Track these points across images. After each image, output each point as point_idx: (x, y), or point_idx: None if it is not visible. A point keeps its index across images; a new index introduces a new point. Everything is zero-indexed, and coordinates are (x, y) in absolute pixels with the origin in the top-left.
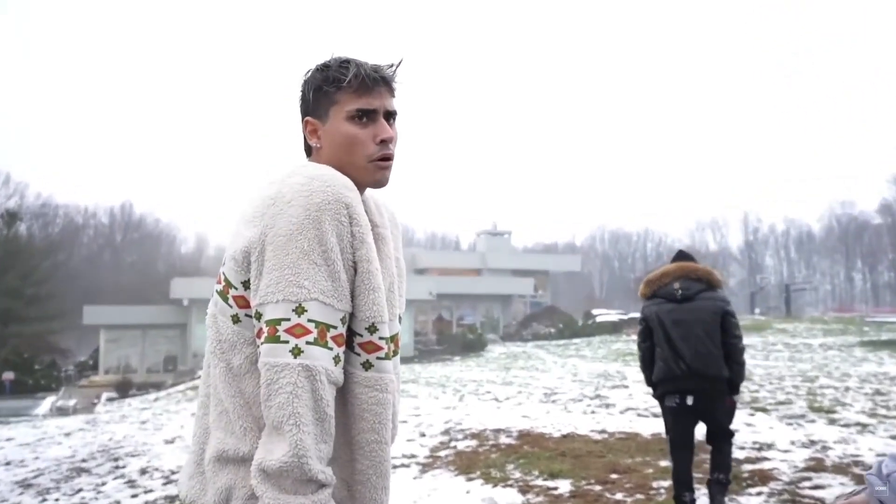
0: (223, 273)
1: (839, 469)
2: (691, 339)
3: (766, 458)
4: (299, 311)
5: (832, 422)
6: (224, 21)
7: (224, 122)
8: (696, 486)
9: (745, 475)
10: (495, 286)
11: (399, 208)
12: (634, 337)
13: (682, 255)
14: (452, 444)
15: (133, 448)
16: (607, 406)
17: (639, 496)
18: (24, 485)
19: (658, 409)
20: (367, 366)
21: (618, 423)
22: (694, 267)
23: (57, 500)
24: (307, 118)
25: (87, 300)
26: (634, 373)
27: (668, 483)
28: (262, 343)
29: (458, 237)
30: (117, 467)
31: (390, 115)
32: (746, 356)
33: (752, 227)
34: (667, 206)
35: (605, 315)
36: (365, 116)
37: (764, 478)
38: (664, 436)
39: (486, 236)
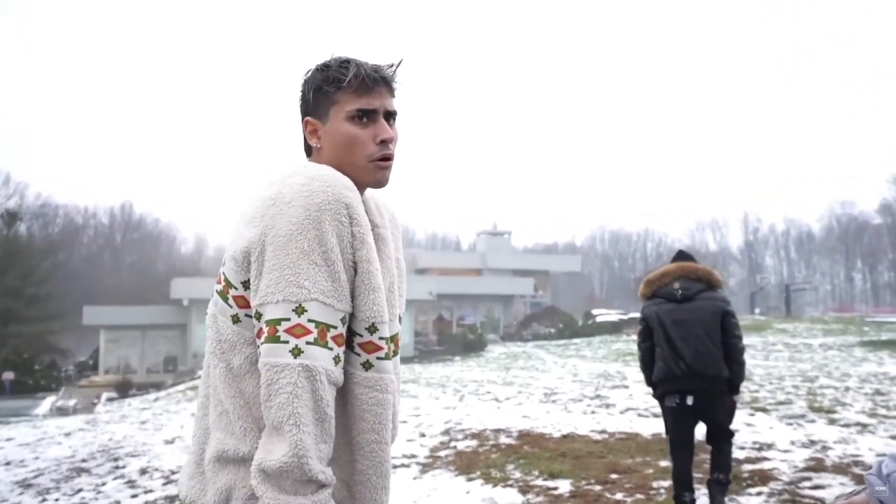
0: (223, 273)
1: (839, 469)
2: (691, 339)
3: (766, 458)
4: (299, 311)
5: (832, 422)
6: (224, 21)
7: (224, 122)
8: (696, 486)
9: (745, 475)
10: (495, 286)
11: (399, 208)
12: (634, 337)
13: (682, 256)
14: (452, 444)
15: (133, 448)
16: (607, 406)
17: (639, 496)
18: (24, 485)
19: (658, 410)
20: (368, 366)
21: (618, 423)
22: (694, 267)
23: (57, 500)
24: (307, 118)
25: (87, 300)
26: (634, 373)
27: (668, 483)
28: (262, 343)
29: (459, 237)
30: (117, 467)
31: (390, 116)
32: (746, 356)
33: (752, 227)
34: (667, 206)
35: (605, 315)
36: (365, 116)
37: (764, 478)
38: (664, 436)
39: (487, 236)
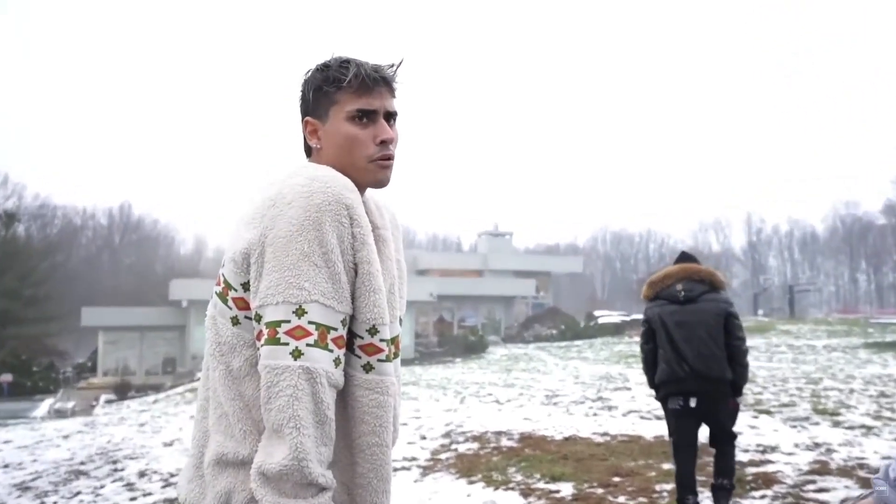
0: (222, 275)
1: (844, 472)
2: (694, 340)
3: (769, 461)
4: (299, 312)
5: (836, 424)
6: (224, 21)
7: (224, 123)
8: (699, 489)
9: (749, 478)
10: (497, 287)
11: (400, 209)
12: (637, 339)
13: (684, 257)
14: (453, 446)
15: (132, 451)
16: (609, 408)
17: (641, 499)
18: (22, 487)
19: (661, 412)
20: (368, 368)
21: (620, 425)
22: (697, 268)
23: (55, 503)
24: (307, 118)
25: (86, 302)
26: (637, 375)
27: (671, 486)
28: (261, 345)
29: (460, 238)
30: (116, 470)
31: (391, 116)
32: (750, 358)
33: (755, 228)
34: (669, 206)
35: (607, 316)
36: (365, 117)
37: (768, 481)
38: (667, 438)
39: (488, 237)
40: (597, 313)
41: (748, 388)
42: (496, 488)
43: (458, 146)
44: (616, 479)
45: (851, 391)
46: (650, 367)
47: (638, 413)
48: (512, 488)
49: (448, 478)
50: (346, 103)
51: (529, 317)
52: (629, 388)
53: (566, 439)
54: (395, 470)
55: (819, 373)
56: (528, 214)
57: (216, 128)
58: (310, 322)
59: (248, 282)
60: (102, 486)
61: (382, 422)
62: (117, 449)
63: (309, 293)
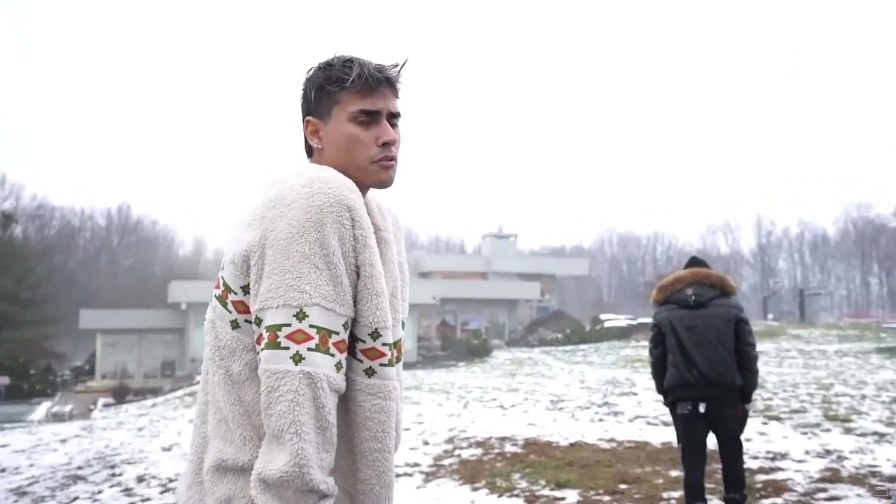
0: (222, 277)
1: (856, 480)
2: (704, 345)
3: (779, 469)
4: (300, 316)
5: (848, 431)
6: (224, 21)
7: (223, 123)
8: (707, 496)
9: (759, 486)
10: (501, 290)
11: (402, 210)
12: (644, 343)
13: (695, 261)
14: (457, 452)
15: (130, 455)
16: (616, 414)
17: None
18: (19, 492)
19: (668, 418)
20: (370, 372)
21: (627, 431)
22: (707, 273)
23: None
24: (308, 118)
25: (84, 304)
26: (644, 380)
27: (678, 493)
28: (262, 349)
29: (463, 240)
30: (114, 475)
31: (394, 117)
32: (759, 363)
33: (765, 231)
34: (677, 208)
35: (613, 320)
36: (368, 117)
37: (778, 489)
38: (675, 444)
39: (492, 239)
40: (603, 317)
41: (757, 394)
42: (500, 495)
43: (462, 146)
44: (622, 486)
45: (863, 397)
46: (659, 372)
47: (645, 419)
48: (516, 495)
49: (451, 484)
50: (349, 103)
51: (534, 320)
52: (636, 394)
53: (572, 445)
54: (398, 476)
55: (830, 378)
56: (533, 216)
57: (216, 128)
58: (311, 326)
59: (248, 285)
60: (100, 492)
61: (385, 427)
62: (115, 453)
63: (310, 296)
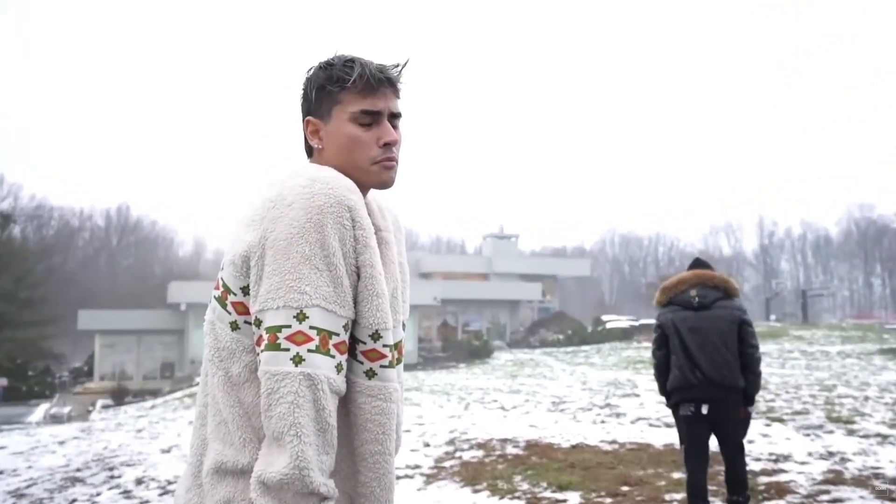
0: (221, 278)
1: (859, 482)
2: (707, 347)
3: (782, 471)
4: (300, 317)
5: (851, 432)
6: (224, 21)
7: (223, 122)
8: (710, 498)
9: (762, 488)
10: (502, 291)
11: (403, 211)
12: (646, 344)
13: (698, 263)
14: (458, 454)
15: (129, 457)
16: (618, 415)
17: None
18: (17, 494)
19: (671, 419)
20: (371, 374)
21: (629, 433)
22: (711, 275)
23: None
24: (309, 118)
25: (83, 304)
26: (646, 381)
27: (681, 496)
28: (261, 351)
29: (464, 241)
30: (112, 477)
31: (395, 117)
32: (762, 365)
33: (767, 231)
34: (679, 209)
35: (615, 321)
36: (369, 118)
37: (780, 491)
38: (677, 446)
39: (493, 240)
40: (605, 318)
41: (760, 396)
42: (501, 497)
43: (463, 146)
44: (625, 488)
45: (866, 399)
46: (662, 374)
47: (647, 420)
48: (518, 497)
49: (452, 486)
50: (350, 103)
51: (535, 321)
52: (638, 395)
53: (573, 447)
54: (398, 478)
55: (833, 380)
56: (535, 216)
57: (216, 128)
58: (311, 327)
59: (248, 286)
60: (99, 494)
61: (385, 429)
62: (114, 455)
63: (310, 297)
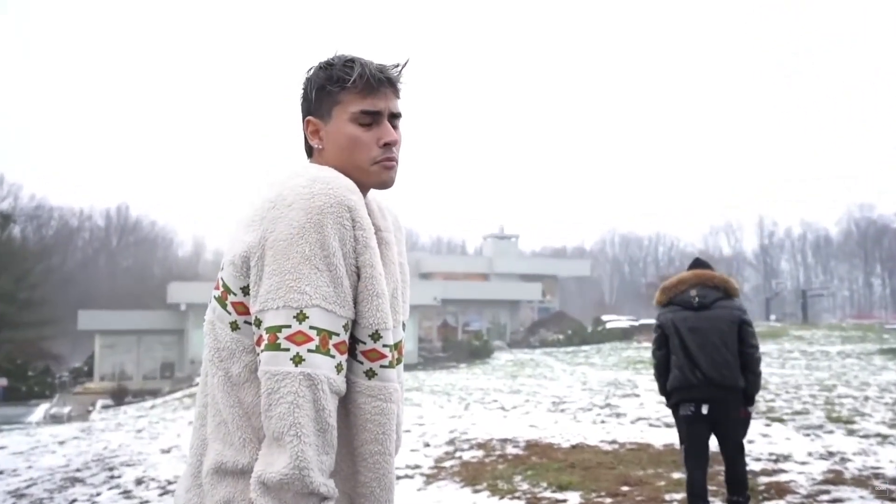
0: (221, 278)
1: (859, 482)
2: (708, 347)
3: (782, 471)
4: (300, 317)
5: (851, 432)
6: (224, 21)
7: (223, 123)
8: (710, 498)
9: (762, 488)
10: (502, 291)
11: (403, 211)
12: (646, 344)
13: (698, 263)
14: (458, 454)
15: (129, 457)
16: (618, 416)
17: None
18: (17, 495)
19: (671, 419)
20: (371, 374)
21: (629, 433)
22: (711, 275)
23: None
24: (309, 118)
25: (82, 305)
26: (646, 381)
27: (681, 496)
28: (261, 351)
29: (464, 241)
30: (112, 477)
31: (395, 117)
32: (762, 365)
33: (767, 231)
34: (678, 209)
35: (615, 321)
36: (369, 118)
37: (780, 491)
38: (677, 447)
39: (493, 240)
40: (605, 318)
41: (760, 396)
42: (501, 497)
43: (463, 146)
44: (625, 488)
45: (866, 399)
46: (662, 374)
47: (647, 420)
48: (518, 497)
49: (452, 486)
50: (350, 104)
51: (535, 321)
52: (638, 395)
53: (573, 447)
54: (398, 478)
55: (833, 380)
56: (535, 216)
57: (216, 128)
58: (311, 327)
59: (248, 286)
60: (99, 494)
61: (385, 429)
62: (114, 455)
63: (310, 297)
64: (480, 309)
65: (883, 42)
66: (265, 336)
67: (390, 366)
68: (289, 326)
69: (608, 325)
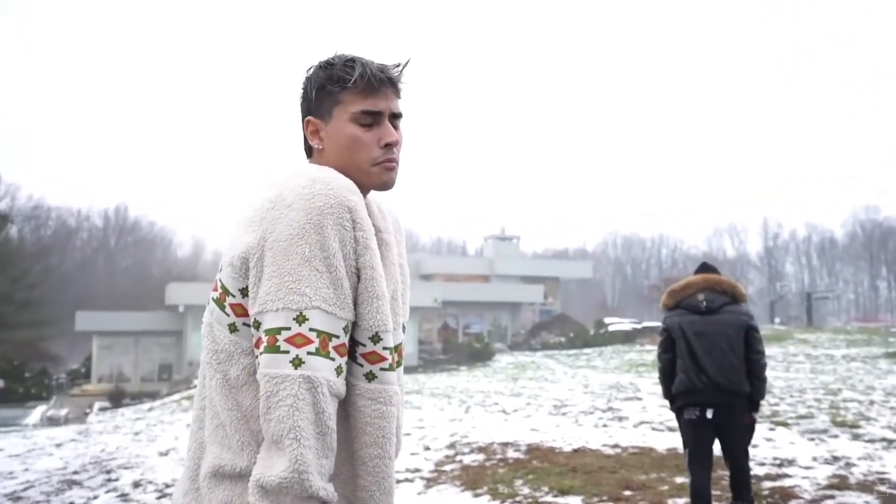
0: (220, 280)
1: (864, 487)
2: (714, 352)
3: (786, 475)
4: (300, 319)
5: (856, 437)
6: (224, 21)
7: (223, 122)
8: (714, 502)
9: (766, 493)
10: (503, 293)
11: (403, 212)
12: (648, 347)
13: (706, 267)
14: (458, 458)
15: (126, 460)
16: (620, 419)
17: None
18: (14, 498)
19: (673, 423)
20: (371, 377)
21: (631, 437)
22: (719, 279)
23: None
24: (309, 118)
25: (80, 306)
26: (648, 384)
27: (683, 500)
28: (260, 353)
29: (465, 242)
30: (110, 480)
31: (395, 118)
32: (767, 370)
33: (771, 233)
34: (681, 209)
35: (617, 324)
36: (370, 118)
37: (785, 495)
38: (680, 450)
39: (494, 241)
40: (607, 320)
41: (765, 399)
42: (502, 501)
43: (464, 147)
44: (627, 492)
45: (871, 403)
46: (667, 377)
47: (649, 424)
48: (519, 502)
49: (453, 490)
50: (351, 104)
51: (537, 324)
52: (640, 399)
53: (575, 451)
54: (398, 482)
55: (838, 383)
56: (536, 218)
57: (215, 128)
58: (311, 329)
59: (247, 287)
60: (96, 497)
61: (385, 433)
62: (111, 458)
63: (310, 299)
64: (481, 311)
65: (883, 42)
66: (264, 338)
67: (390, 368)
68: (288, 328)
69: (610, 328)
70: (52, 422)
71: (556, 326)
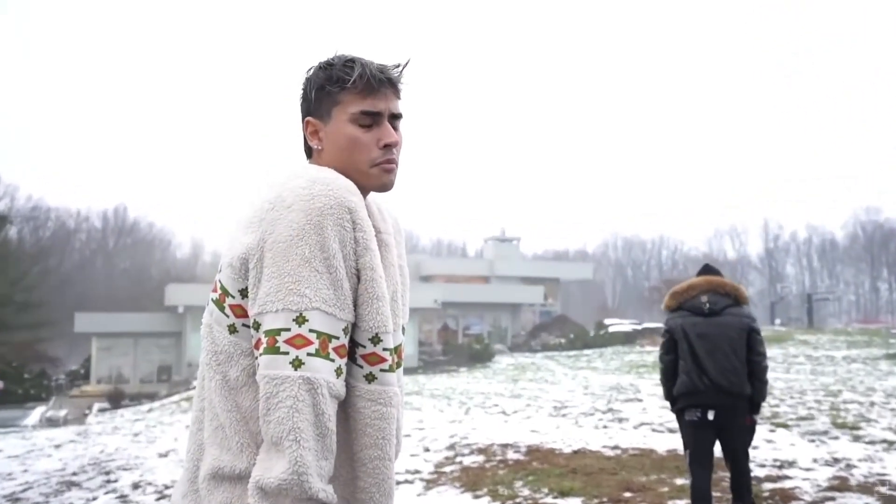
0: (219, 281)
1: (864, 489)
2: (717, 353)
3: (787, 477)
4: (300, 320)
5: (857, 438)
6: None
7: (223, 123)
8: None
9: (766, 494)
10: (503, 294)
11: (403, 213)
12: (649, 348)
13: (708, 269)
14: (458, 459)
15: (125, 461)
16: (620, 420)
17: None
18: (13, 499)
19: (674, 425)
20: (370, 378)
21: (631, 438)
22: (721, 282)
23: None
24: (308, 118)
25: (79, 307)
26: (648, 386)
27: (684, 502)
28: (260, 354)
29: (465, 243)
30: (109, 481)
31: (395, 118)
32: (768, 372)
33: (772, 235)
34: (681, 210)
35: (617, 325)
36: (369, 119)
37: (785, 497)
38: (680, 452)
39: (494, 242)
40: (607, 322)
41: (765, 401)
42: (502, 503)
43: (464, 148)
44: (627, 494)
45: (872, 404)
46: (669, 378)
47: (650, 425)
48: (519, 503)
49: (452, 492)
50: (350, 104)
51: (537, 325)
52: (640, 400)
53: (575, 452)
54: (398, 483)
55: (838, 385)
56: (537, 219)
57: (215, 128)
58: (311, 330)
59: (247, 288)
60: (95, 498)
61: (385, 434)
62: (110, 459)
63: (310, 300)
64: (481, 312)
65: (883, 42)
66: (264, 339)
67: (390, 369)
68: (288, 330)
69: (611, 329)
70: (51, 423)
71: (556, 328)
